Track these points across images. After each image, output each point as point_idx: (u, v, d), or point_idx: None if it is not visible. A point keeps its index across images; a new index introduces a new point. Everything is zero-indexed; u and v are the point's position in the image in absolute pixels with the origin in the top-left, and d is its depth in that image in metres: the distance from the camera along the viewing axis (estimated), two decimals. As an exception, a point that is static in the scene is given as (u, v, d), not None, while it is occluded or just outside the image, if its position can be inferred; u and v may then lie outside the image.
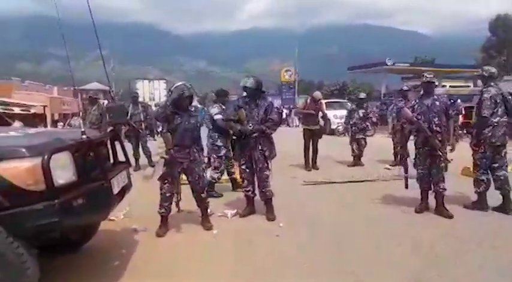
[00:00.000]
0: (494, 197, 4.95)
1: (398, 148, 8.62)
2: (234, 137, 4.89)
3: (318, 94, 8.71)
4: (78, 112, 17.06)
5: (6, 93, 18.77)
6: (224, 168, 6.08)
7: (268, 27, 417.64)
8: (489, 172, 4.92)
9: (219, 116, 5.70)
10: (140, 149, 8.52)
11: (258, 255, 3.70)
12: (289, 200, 5.56)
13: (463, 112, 13.77)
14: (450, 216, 4.66)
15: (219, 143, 5.86)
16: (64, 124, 16.95)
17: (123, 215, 4.67)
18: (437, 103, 4.77)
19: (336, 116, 16.31)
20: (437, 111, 4.74)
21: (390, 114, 9.33)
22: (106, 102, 15.17)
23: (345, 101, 22.91)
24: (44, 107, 18.04)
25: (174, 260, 3.62)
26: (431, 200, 4.95)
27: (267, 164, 4.77)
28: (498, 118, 4.77)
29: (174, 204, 4.29)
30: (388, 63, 26.29)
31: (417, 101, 4.93)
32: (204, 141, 4.95)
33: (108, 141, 3.67)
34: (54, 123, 18.44)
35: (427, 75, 4.88)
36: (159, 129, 7.74)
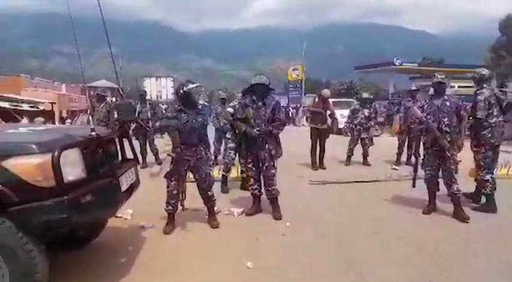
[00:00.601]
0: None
1: (402, 148, 8.64)
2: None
3: (326, 92, 8.65)
4: (86, 109, 17.16)
5: (15, 90, 18.89)
6: (231, 164, 6.12)
7: (274, 26, 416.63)
8: (493, 172, 5.01)
9: (230, 109, 5.73)
10: (147, 147, 8.56)
11: (264, 253, 3.70)
12: (296, 199, 5.55)
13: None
14: (466, 219, 4.57)
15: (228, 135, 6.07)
16: (72, 121, 17.03)
17: (131, 213, 4.68)
18: (448, 103, 4.73)
19: (343, 116, 16.13)
20: (447, 112, 4.70)
21: (397, 112, 9.29)
22: (114, 99, 15.24)
23: (352, 100, 22.79)
24: (53, 104, 18.12)
25: (181, 257, 3.63)
26: (439, 202, 4.93)
27: (273, 162, 4.78)
28: (495, 119, 4.90)
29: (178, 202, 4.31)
30: (396, 63, 26.11)
31: (427, 101, 4.90)
32: (211, 140, 4.99)
33: (117, 139, 3.69)
34: (62, 120, 18.54)
35: (439, 75, 4.83)
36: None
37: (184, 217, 4.48)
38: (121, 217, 4.52)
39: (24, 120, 11.89)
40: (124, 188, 3.16)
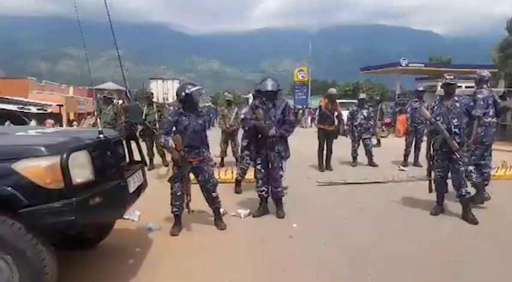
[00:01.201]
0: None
1: (410, 149, 8.59)
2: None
3: (333, 90, 8.63)
4: (93, 112, 17.24)
5: (22, 93, 19.03)
6: (247, 168, 6.18)
7: (280, 27, 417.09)
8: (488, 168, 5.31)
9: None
10: (154, 149, 8.59)
11: (271, 255, 3.70)
12: (303, 200, 5.55)
13: None
14: (475, 222, 4.52)
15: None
16: (79, 124, 17.12)
17: (138, 214, 4.70)
18: (458, 104, 4.67)
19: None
20: (457, 113, 4.66)
21: (400, 113, 9.27)
22: (120, 102, 15.31)
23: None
24: (60, 106, 18.23)
25: (188, 259, 3.63)
26: (446, 202, 4.90)
27: (281, 164, 4.80)
28: (490, 119, 5.12)
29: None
30: (403, 64, 26.01)
31: (437, 102, 4.86)
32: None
33: (124, 141, 3.71)
34: (70, 122, 18.65)
35: (447, 77, 4.75)
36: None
37: (190, 219, 4.49)
38: (128, 219, 4.55)
39: (33, 123, 11.99)
40: (132, 189, 3.17)
